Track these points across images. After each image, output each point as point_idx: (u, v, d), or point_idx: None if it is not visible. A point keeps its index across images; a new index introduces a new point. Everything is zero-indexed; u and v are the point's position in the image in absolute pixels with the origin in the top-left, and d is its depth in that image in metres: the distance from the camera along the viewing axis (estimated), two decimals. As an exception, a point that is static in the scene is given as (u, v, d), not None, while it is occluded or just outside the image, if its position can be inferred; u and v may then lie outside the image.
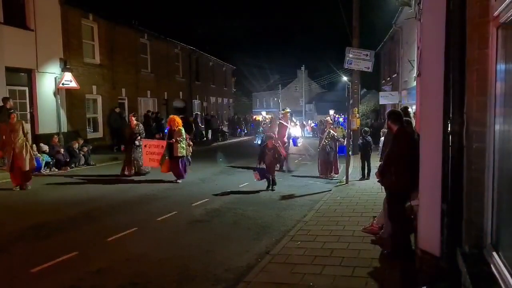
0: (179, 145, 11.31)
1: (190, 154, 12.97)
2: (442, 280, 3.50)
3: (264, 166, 10.32)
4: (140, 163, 12.36)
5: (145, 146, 11.96)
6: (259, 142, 21.25)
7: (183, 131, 11.52)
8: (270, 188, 10.24)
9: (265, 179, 10.31)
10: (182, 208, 8.27)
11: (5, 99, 12.49)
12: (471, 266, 2.86)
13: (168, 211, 7.97)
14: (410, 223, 5.25)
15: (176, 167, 11.43)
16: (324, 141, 12.64)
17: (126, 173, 12.22)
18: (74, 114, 17.56)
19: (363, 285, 4.45)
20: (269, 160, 10.27)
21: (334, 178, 12.39)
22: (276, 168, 11.31)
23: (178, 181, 11.33)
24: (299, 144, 14.52)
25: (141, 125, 12.99)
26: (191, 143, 13.36)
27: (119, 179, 11.70)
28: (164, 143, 11.64)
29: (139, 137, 12.39)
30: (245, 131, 34.80)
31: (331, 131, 12.96)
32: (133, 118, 12.91)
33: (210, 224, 7.24)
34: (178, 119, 11.85)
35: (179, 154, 11.37)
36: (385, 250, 5.41)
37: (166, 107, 26.29)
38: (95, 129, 19.44)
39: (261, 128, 25.22)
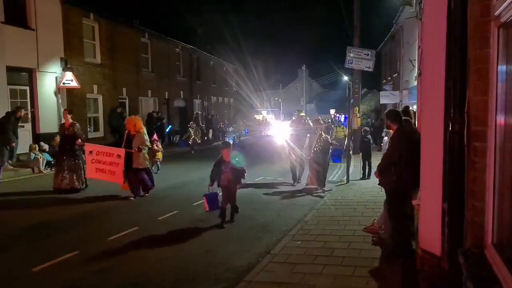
0: (140, 154, 9.07)
1: (160, 160, 12.56)
2: (443, 280, 3.49)
3: (217, 192, 7.23)
4: (81, 175, 9.85)
5: (90, 152, 9.53)
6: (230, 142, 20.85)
7: (145, 136, 9.35)
8: (228, 220, 7.13)
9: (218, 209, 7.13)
10: (183, 208, 8.27)
11: (18, 108, 12.60)
12: (472, 266, 2.85)
13: (169, 210, 7.97)
14: (411, 222, 5.25)
15: (135, 181, 9.14)
16: (316, 147, 10.19)
17: (62, 187, 9.59)
18: (75, 114, 17.29)
19: (364, 284, 4.44)
20: (226, 180, 7.05)
21: (319, 192, 9.84)
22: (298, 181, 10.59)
23: (131, 198, 8.98)
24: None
25: (78, 124, 10.24)
26: (160, 147, 12.79)
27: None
28: (121, 152, 9.15)
29: (79, 140, 9.83)
30: (247, 131, 34.83)
31: (323, 133, 10.63)
32: (68, 116, 10.05)
33: (211, 224, 7.23)
34: (138, 121, 9.50)
35: (139, 166, 9.07)
36: (385, 250, 5.40)
37: (167, 106, 26.29)
38: (96, 129, 19.44)
39: (230, 128, 24.79)
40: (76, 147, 9.79)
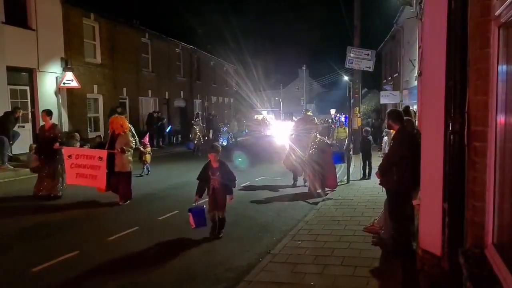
0: (124, 156, 8.44)
1: (148, 163, 12.14)
2: (443, 280, 3.49)
3: (204, 206, 6.33)
4: (59, 181, 9.08)
5: (69, 156, 8.84)
6: (224, 143, 20.42)
7: (130, 137, 8.76)
8: (217, 233, 6.33)
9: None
10: (183, 208, 8.21)
11: (16, 109, 12.68)
12: (472, 266, 2.85)
13: (169, 210, 7.96)
14: (411, 222, 5.25)
15: (123, 183, 8.54)
16: (311, 148, 9.76)
17: (40, 193, 8.94)
18: (75, 114, 17.55)
19: (364, 284, 4.44)
20: (214, 188, 6.31)
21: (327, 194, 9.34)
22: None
23: (120, 202, 8.48)
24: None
25: (59, 126, 9.55)
26: (149, 149, 12.36)
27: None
28: (103, 153, 8.52)
29: (57, 144, 9.02)
30: (246, 131, 34.82)
31: (318, 135, 10.09)
32: (48, 118, 9.31)
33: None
34: (125, 121, 8.92)
35: (122, 170, 8.44)
36: (386, 250, 5.40)
37: (167, 106, 26.29)
38: (96, 129, 19.44)
39: (224, 128, 24.41)
40: (59, 152, 9.02)
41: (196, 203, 6.34)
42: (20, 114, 12.99)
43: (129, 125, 11.28)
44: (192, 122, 20.14)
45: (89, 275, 4.94)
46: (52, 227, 6.91)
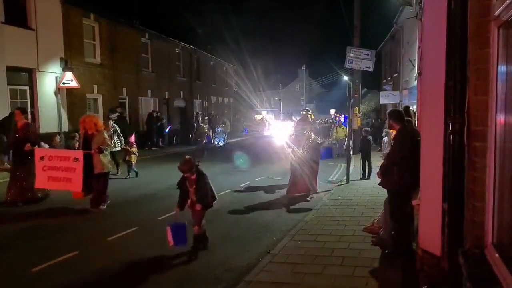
0: (101, 156, 7.98)
1: (134, 164, 11.64)
2: (443, 280, 3.49)
3: (185, 222, 5.59)
4: (30, 184, 8.40)
5: (41, 158, 8.16)
6: (220, 144, 19.99)
7: (105, 134, 8.36)
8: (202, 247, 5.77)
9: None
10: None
11: (17, 109, 12.67)
12: (472, 266, 2.85)
13: (168, 210, 7.93)
14: (411, 222, 5.25)
15: (101, 185, 8.10)
16: (303, 148, 9.36)
17: (9, 199, 8.35)
18: (75, 114, 17.50)
19: (364, 285, 4.45)
20: (191, 201, 5.67)
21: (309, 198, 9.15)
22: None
23: (102, 206, 8.06)
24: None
25: (33, 126, 8.99)
26: (134, 149, 11.74)
27: (118, 178, 11.66)
28: (79, 154, 8.03)
29: (28, 145, 8.35)
30: (246, 131, 34.80)
31: (312, 134, 9.69)
32: (22, 116, 8.65)
33: (210, 224, 7.20)
34: (98, 119, 8.55)
35: (101, 171, 8.00)
36: (385, 250, 5.40)
37: (167, 106, 26.29)
38: (96, 129, 19.42)
39: (219, 128, 23.79)
40: (32, 153, 8.34)
41: (177, 216, 5.64)
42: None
43: (114, 124, 11.59)
44: (195, 121, 20.01)
45: (88, 276, 4.94)
46: (52, 227, 6.91)
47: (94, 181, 8.03)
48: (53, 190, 8.65)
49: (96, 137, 8.05)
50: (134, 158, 11.74)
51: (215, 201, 5.79)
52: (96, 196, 8.08)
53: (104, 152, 8.02)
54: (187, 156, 5.69)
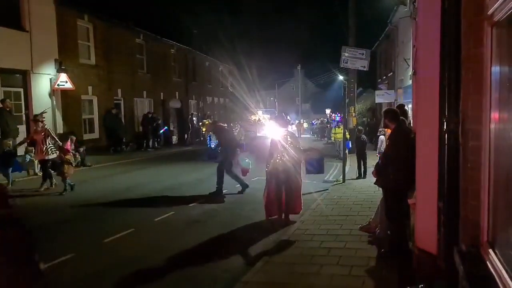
0: None
1: (69, 176, 9.72)
2: (439, 279, 3.50)
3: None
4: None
5: None
6: (212, 146, 19.24)
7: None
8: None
9: None
10: (179, 209, 8.25)
11: (2, 101, 12.65)
12: (468, 264, 2.86)
13: (165, 211, 7.94)
14: (408, 222, 5.26)
15: None
16: (278, 158, 7.24)
17: None
18: (70, 115, 17.48)
19: (360, 284, 4.45)
20: None
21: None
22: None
23: None
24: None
25: None
26: (69, 156, 9.94)
27: (115, 180, 11.62)
28: None
29: None
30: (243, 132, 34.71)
31: (289, 138, 7.45)
32: None
33: (207, 225, 7.22)
34: None
35: None
36: (382, 249, 5.41)
37: (163, 107, 26.24)
38: (91, 130, 19.37)
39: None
40: None
41: None
42: (9, 104, 13.08)
43: (46, 127, 10.21)
44: (192, 122, 19.69)
45: (85, 278, 4.91)
46: (48, 229, 6.86)
47: None
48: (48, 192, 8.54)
49: None
50: (69, 169, 9.77)
51: None
52: None
53: None
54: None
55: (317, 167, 8.06)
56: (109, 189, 10.35)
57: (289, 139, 7.38)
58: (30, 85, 15.44)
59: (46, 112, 12.28)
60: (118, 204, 8.75)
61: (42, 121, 10.30)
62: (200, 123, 21.59)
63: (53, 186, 10.12)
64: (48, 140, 10.01)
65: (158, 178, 11.90)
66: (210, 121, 11.75)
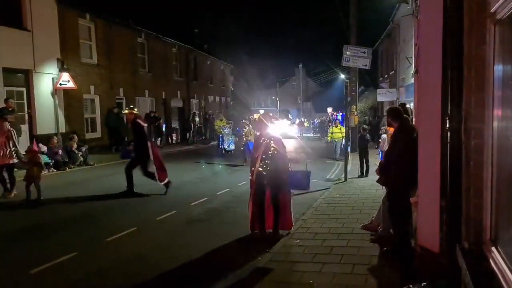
0: None
1: (38, 181, 8.49)
2: (442, 277, 3.50)
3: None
4: None
5: None
6: (225, 147, 18.07)
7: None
8: None
9: None
10: (180, 208, 8.26)
11: (5, 101, 12.67)
12: (470, 262, 2.86)
13: (166, 210, 7.95)
14: (410, 220, 5.26)
15: None
16: (261, 165, 6.15)
17: None
18: (72, 115, 17.51)
19: (363, 282, 4.45)
20: None
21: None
22: None
23: None
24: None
25: None
26: (39, 159, 8.98)
27: (117, 179, 11.62)
28: None
29: None
30: (238, 130, 34.67)
31: (273, 143, 6.17)
32: None
33: (209, 224, 7.23)
34: None
35: None
36: (384, 248, 5.41)
37: (164, 106, 26.25)
38: (93, 129, 19.40)
39: (226, 129, 21.71)
40: None
41: None
42: (12, 104, 12.91)
43: (10, 128, 9.14)
44: (194, 121, 19.50)
45: (88, 277, 4.92)
46: (50, 228, 6.90)
47: None
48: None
49: None
50: (36, 171, 8.59)
51: None
52: None
53: None
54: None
55: (302, 183, 6.45)
56: (111, 188, 10.36)
57: (272, 145, 6.18)
58: (33, 85, 15.46)
59: (17, 114, 11.59)
60: (119, 203, 8.77)
61: (10, 122, 9.39)
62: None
63: (13, 195, 9.12)
64: (11, 143, 9.03)
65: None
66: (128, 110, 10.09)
